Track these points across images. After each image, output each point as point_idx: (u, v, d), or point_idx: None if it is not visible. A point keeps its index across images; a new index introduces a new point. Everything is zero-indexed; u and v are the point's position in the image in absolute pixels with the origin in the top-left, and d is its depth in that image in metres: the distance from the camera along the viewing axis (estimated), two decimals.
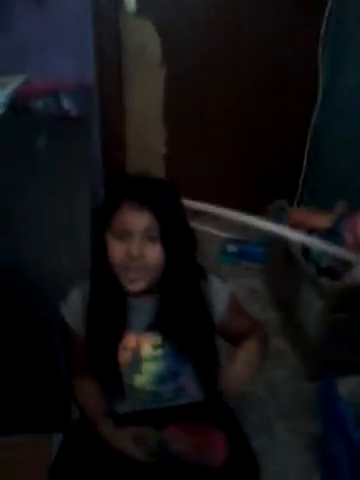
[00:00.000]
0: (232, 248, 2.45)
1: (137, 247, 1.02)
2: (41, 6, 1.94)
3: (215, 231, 2.39)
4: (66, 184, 1.49)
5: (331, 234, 1.85)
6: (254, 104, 2.51)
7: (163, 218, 1.03)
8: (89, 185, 1.54)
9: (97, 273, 1.12)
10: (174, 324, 1.12)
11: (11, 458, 1.33)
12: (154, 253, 1.04)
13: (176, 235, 1.06)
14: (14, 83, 1.63)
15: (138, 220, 1.02)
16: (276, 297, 2.17)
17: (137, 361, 1.16)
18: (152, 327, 1.14)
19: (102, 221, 1.08)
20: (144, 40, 2.29)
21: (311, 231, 1.87)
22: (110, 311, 1.13)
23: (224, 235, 2.43)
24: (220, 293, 1.19)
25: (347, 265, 1.70)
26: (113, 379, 1.16)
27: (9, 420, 1.50)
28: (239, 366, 1.06)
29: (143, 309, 1.14)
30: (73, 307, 1.17)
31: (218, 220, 2.06)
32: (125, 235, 1.03)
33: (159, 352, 1.15)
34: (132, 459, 1.07)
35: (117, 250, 1.05)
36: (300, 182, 2.62)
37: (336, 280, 1.65)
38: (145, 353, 1.15)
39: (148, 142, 2.53)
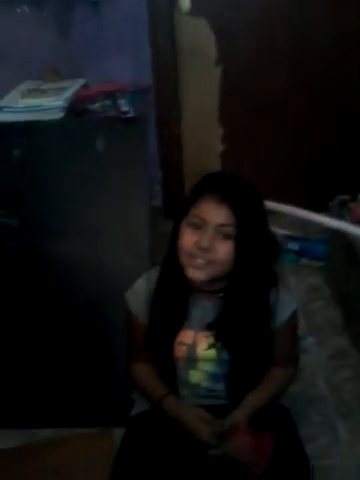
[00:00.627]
0: (292, 246, 2.40)
1: (209, 239, 1.03)
2: (98, 10, 1.99)
3: (275, 228, 2.36)
4: (124, 184, 1.52)
5: None
6: (313, 101, 2.46)
7: (241, 217, 1.03)
8: (147, 185, 1.56)
9: (167, 264, 1.14)
10: (231, 329, 1.12)
11: (76, 450, 1.38)
12: (224, 249, 1.04)
13: (252, 238, 1.05)
14: (73, 87, 1.67)
15: (216, 213, 1.03)
16: (338, 295, 2.11)
17: (193, 358, 1.16)
18: (210, 326, 1.14)
19: (180, 211, 1.09)
20: (199, 39, 2.30)
21: None
22: (173, 304, 1.14)
23: (284, 232, 2.38)
24: (286, 305, 1.17)
25: None
26: (168, 372, 1.18)
27: (74, 414, 1.56)
28: (242, 415, 1.10)
29: (204, 307, 1.15)
30: (138, 295, 1.19)
31: (278, 217, 2.04)
32: (200, 225, 1.04)
33: (214, 353, 1.15)
34: (193, 440, 1.08)
35: (189, 238, 1.06)
36: None
37: None
38: (201, 351, 1.15)
39: (205, 140, 2.53)
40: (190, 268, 1.06)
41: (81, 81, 1.77)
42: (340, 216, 1.99)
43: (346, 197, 2.10)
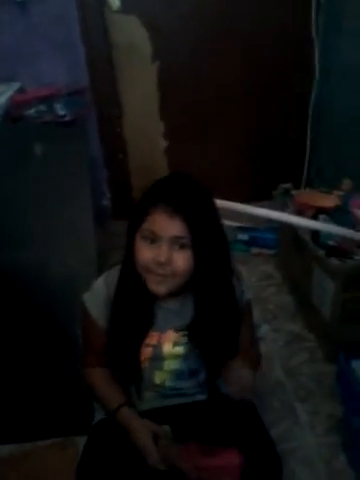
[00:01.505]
0: (242, 236, 2.44)
1: (165, 253, 1.01)
2: (26, 11, 1.94)
3: (223, 220, 2.38)
4: (67, 188, 1.50)
5: (339, 212, 1.84)
6: (250, 91, 2.49)
7: (195, 228, 1.01)
8: (89, 186, 1.54)
9: (125, 274, 1.12)
10: (205, 328, 1.11)
11: (39, 463, 1.36)
12: (182, 260, 1.02)
13: (208, 243, 1.03)
14: (8, 92, 1.63)
15: (169, 227, 1.00)
16: (290, 281, 2.17)
17: (158, 358, 1.16)
18: (177, 327, 1.13)
19: (133, 221, 1.07)
20: (133, 36, 2.28)
21: (319, 211, 1.86)
22: (136, 311, 1.12)
23: (233, 224, 2.42)
24: (244, 294, 1.18)
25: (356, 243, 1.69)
26: (133, 376, 1.17)
27: (35, 426, 1.53)
28: (242, 369, 1.07)
29: (168, 309, 1.14)
30: (97, 298, 1.16)
31: (226, 209, 2.06)
32: (154, 239, 1.02)
33: (181, 350, 1.15)
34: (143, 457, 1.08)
35: (145, 253, 1.03)
36: (305, 164, 2.59)
37: (346, 259, 1.63)
38: (167, 351, 1.15)
39: (148, 137, 2.52)
40: (151, 282, 1.05)
41: (16, 85, 1.73)
42: (283, 204, 2.04)
43: (289, 185, 2.15)
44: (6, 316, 1.49)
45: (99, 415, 1.22)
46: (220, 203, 1.79)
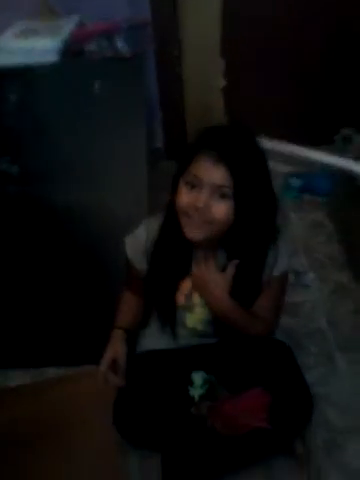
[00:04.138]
0: (295, 182, 2.39)
1: (204, 199, 1.02)
2: None
3: (276, 165, 2.34)
4: (122, 126, 1.51)
5: None
6: (316, 30, 2.34)
7: (239, 178, 1.00)
8: (144, 125, 1.55)
9: (167, 220, 1.15)
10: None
11: (82, 385, 1.46)
12: (221, 210, 1.03)
13: (250, 197, 1.03)
14: (68, 26, 1.63)
15: (212, 173, 1.01)
16: (341, 230, 2.13)
17: (189, 304, 1.21)
18: None
19: (180, 165, 1.09)
20: None
21: None
22: (174, 255, 1.16)
23: (286, 169, 2.37)
24: (280, 262, 1.19)
25: None
26: (168, 318, 1.23)
27: (79, 352, 1.63)
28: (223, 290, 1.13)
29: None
30: (137, 243, 1.21)
31: (280, 153, 2.02)
32: (196, 184, 1.03)
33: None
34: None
35: (185, 197, 1.05)
36: None
37: None
38: (196, 299, 1.20)
39: (206, 76, 2.46)
40: (187, 227, 1.07)
41: (76, 18, 1.72)
42: (343, 150, 1.97)
43: (351, 130, 2.06)
44: (59, 249, 1.58)
45: (139, 348, 1.31)
46: (275, 144, 1.78)
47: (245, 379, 1.17)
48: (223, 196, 1.02)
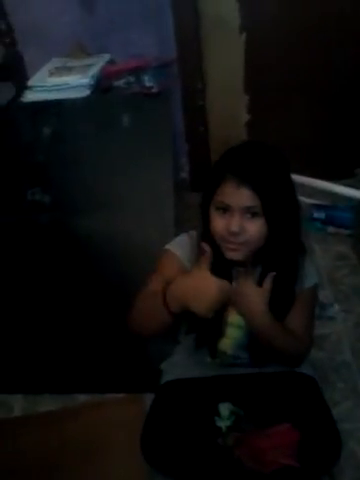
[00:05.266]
0: (319, 214, 2.39)
1: (237, 223, 1.04)
2: None
3: (301, 198, 2.35)
4: (150, 159, 1.54)
5: None
6: (339, 67, 2.39)
7: (265, 196, 1.03)
8: (172, 159, 1.58)
9: (204, 241, 1.14)
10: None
11: (110, 412, 1.47)
12: (254, 228, 1.06)
13: (280, 210, 1.06)
14: (99, 64, 1.69)
15: (238, 197, 1.04)
16: None
17: (222, 325, 1.20)
18: None
19: (206, 193, 1.12)
20: (222, 7, 2.26)
21: None
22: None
23: (309, 201, 2.38)
24: (310, 274, 1.20)
25: None
26: (214, 333, 1.20)
27: (107, 381, 1.65)
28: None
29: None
30: (182, 245, 1.21)
31: (303, 186, 2.03)
32: (226, 209, 1.06)
33: (242, 320, 1.17)
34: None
35: (218, 223, 1.08)
36: None
37: None
38: (232, 318, 1.19)
39: (230, 110, 2.51)
40: (226, 251, 1.09)
41: (106, 57, 1.79)
42: None
43: None
44: (84, 277, 1.60)
45: (166, 377, 1.30)
46: (299, 179, 1.79)
47: (272, 413, 1.14)
48: (254, 215, 1.05)
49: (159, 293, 1.05)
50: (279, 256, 1.14)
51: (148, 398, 1.32)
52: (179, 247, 1.22)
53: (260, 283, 1.13)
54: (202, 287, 1.01)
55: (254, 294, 1.10)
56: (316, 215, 2.37)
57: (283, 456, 1.06)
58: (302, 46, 2.35)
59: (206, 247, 1.07)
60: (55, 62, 1.70)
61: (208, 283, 1.02)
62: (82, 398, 1.63)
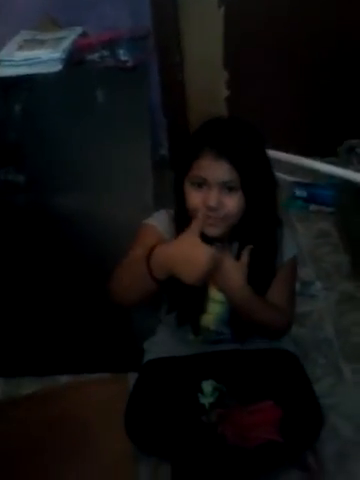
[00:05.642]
0: (301, 192, 2.38)
1: (215, 198, 1.02)
2: None
3: (282, 175, 2.33)
4: (127, 134, 1.50)
5: None
6: (319, 41, 2.37)
7: (243, 169, 1.02)
8: (150, 134, 1.54)
9: (179, 218, 1.15)
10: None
11: (93, 393, 1.47)
12: (232, 203, 1.04)
13: (257, 184, 1.05)
14: (71, 37, 1.62)
15: (217, 171, 1.02)
16: (347, 240, 2.11)
17: (205, 301, 1.19)
18: None
19: (181, 167, 1.09)
20: None
21: None
22: None
23: (291, 179, 2.36)
24: (288, 247, 1.20)
25: None
26: (196, 307, 1.19)
27: (90, 361, 1.63)
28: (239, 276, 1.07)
29: None
30: (163, 221, 1.19)
31: (284, 163, 2.01)
32: (203, 184, 1.04)
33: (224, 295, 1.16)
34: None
35: (195, 198, 1.06)
36: None
37: None
38: (213, 294, 1.18)
39: (209, 85, 2.47)
40: (204, 226, 1.06)
41: (78, 30, 1.72)
42: (348, 161, 1.96)
43: (355, 142, 2.06)
44: (64, 258, 1.57)
45: (149, 356, 1.29)
46: (282, 155, 1.77)
47: (255, 390, 1.15)
48: (231, 189, 1.04)
49: (142, 259, 1.01)
50: (256, 230, 1.13)
51: (131, 377, 1.32)
52: (158, 221, 1.20)
53: (238, 258, 1.11)
54: (193, 254, 0.97)
55: (232, 269, 1.08)
56: (298, 193, 2.37)
57: (266, 432, 1.06)
58: (282, 20, 2.31)
59: (199, 213, 1.04)
60: (24, 35, 1.62)
61: (199, 250, 0.97)
62: (64, 379, 1.63)
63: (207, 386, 1.17)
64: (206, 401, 1.15)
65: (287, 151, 1.97)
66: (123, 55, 1.53)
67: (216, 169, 1.02)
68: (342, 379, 1.55)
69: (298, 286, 1.74)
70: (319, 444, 1.29)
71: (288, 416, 1.08)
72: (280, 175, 2.28)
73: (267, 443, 1.05)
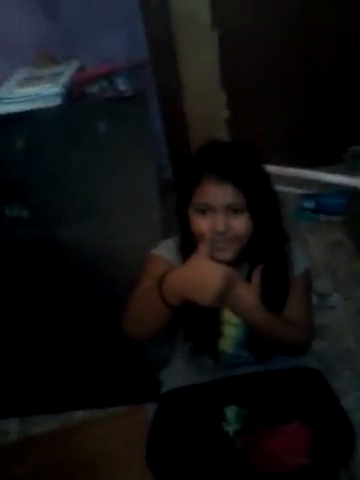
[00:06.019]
0: (309, 204, 2.37)
1: (222, 222, 1.01)
2: None
3: (289, 188, 2.32)
4: (132, 163, 1.50)
5: None
6: (318, 55, 2.38)
7: (247, 190, 1.01)
8: (154, 161, 1.55)
9: (185, 245, 1.14)
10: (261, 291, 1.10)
11: (111, 427, 1.43)
12: (240, 224, 1.03)
13: (262, 203, 1.04)
14: (68, 71, 1.65)
15: (221, 195, 1.01)
16: None
17: (220, 324, 1.17)
18: None
19: (183, 195, 1.08)
20: (192, 3, 2.23)
21: None
22: None
23: (298, 191, 2.35)
24: (299, 261, 1.18)
25: None
26: (212, 334, 1.17)
27: (106, 394, 1.60)
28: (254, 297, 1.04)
29: None
30: (169, 248, 1.18)
31: (289, 177, 2.01)
32: (208, 209, 1.03)
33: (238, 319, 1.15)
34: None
35: (201, 225, 1.05)
36: None
37: None
38: (228, 316, 1.16)
39: (209, 108, 2.49)
40: (214, 251, 1.04)
41: (76, 64, 1.74)
42: (353, 168, 1.95)
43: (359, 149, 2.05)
44: (72, 291, 1.56)
45: (167, 386, 1.26)
46: (286, 170, 1.77)
47: (280, 411, 1.11)
48: (237, 211, 1.03)
49: (153, 288, 0.98)
50: (265, 248, 1.12)
51: (149, 409, 1.29)
52: (165, 250, 1.19)
53: (248, 279, 1.10)
54: (205, 274, 0.94)
55: (244, 292, 1.06)
56: (306, 204, 2.36)
57: (297, 455, 1.02)
58: (277, 37, 2.33)
59: (205, 236, 1.02)
60: (22, 72, 1.65)
61: (211, 270, 0.94)
62: (81, 415, 1.59)
63: (230, 412, 1.14)
64: (230, 428, 1.12)
65: (293, 164, 1.97)
66: (122, 85, 1.55)
67: (220, 193, 1.01)
68: None
69: (315, 299, 1.72)
70: (353, 462, 1.25)
71: (318, 436, 1.05)
72: (287, 189, 2.29)
73: (299, 467, 1.01)
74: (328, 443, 1.05)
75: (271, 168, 1.48)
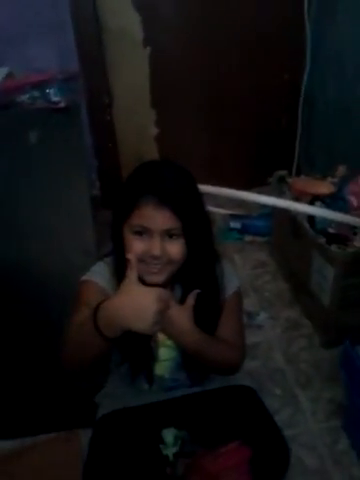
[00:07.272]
0: (235, 224, 2.42)
1: (158, 247, 1.00)
2: None
3: (215, 209, 2.36)
4: (63, 177, 1.45)
5: (335, 199, 1.83)
6: (243, 78, 2.46)
7: (184, 216, 1.00)
8: (86, 175, 1.51)
9: (118, 264, 1.09)
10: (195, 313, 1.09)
11: (42, 457, 1.34)
12: (176, 249, 1.02)
13: (197, 227, 1.04)
14: None
15: (159, 219, 0.99)
16: (285, 268, 2.16)
17: (154, 347, 1.14)
18: None
19: (119, 214, 1.05)
20: (124, 21, 2.22)
21: (314, 198, 1.85)
22: None
23: (225, 211, 2.40)
24: (230, 280, 1.18)
25: (354, 229, 1.68)
26: (145, 357, 1.14)
27: (38, 420, 1.51)
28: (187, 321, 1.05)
29: None
30: (101, 274, 1.12)
31: (216, 197, 2.04)
32: (145, 232, 1.01)
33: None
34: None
35: (137, 246, 1.01)
36: (296, 150, 2.58)
37: (345, 246, 1.63)
38: (162, 338, 1.14)
39: (138, 124, 2.48)
40: (146, 274, 1.03)
41: (4, 70, 1.67)
42: (280, 191, 2.02)
43: (284, 172, 2.13)
44: (4, 310, 1.46)
45: (103, 410, 1.21)
46: (214, 190, 1.78)
47: (218, 431, 1.10)
48: (173, 235, 1.02)
49: (88, 321, 0.92)
50: (197, 271, 1.11)
51: (83, 434, 1.22)
52: (97, 275, 1.13)
53: (182, 301, 1.09)
54: (138, 301, 0.90)
55: (178, 314, 1.05)
56: (233, 225, 2.41)
57: (237, 475, 1.01)
58: (206, 58, 2.38)
59: (130, 256, 0.98)
60: None
61: (143, 296, 0.91)
62: (8, 445, 1.47)
63: (168, 435, 1.11)
64: (169, 452, 1.09)
65: (217, 184, 2.00)
66: (54, 96, 1.50)
67: (159, 218, 0.99)
68: (300, 409, 1.55)
69: (244, 318, 1.74)
70: (286, 478, 1.27)
71: (256, 454, 1.05)
72: (215, 209, 2.33)
73: None
74: (266, 461, 1.06)
75: (207, 188, 1.50)
